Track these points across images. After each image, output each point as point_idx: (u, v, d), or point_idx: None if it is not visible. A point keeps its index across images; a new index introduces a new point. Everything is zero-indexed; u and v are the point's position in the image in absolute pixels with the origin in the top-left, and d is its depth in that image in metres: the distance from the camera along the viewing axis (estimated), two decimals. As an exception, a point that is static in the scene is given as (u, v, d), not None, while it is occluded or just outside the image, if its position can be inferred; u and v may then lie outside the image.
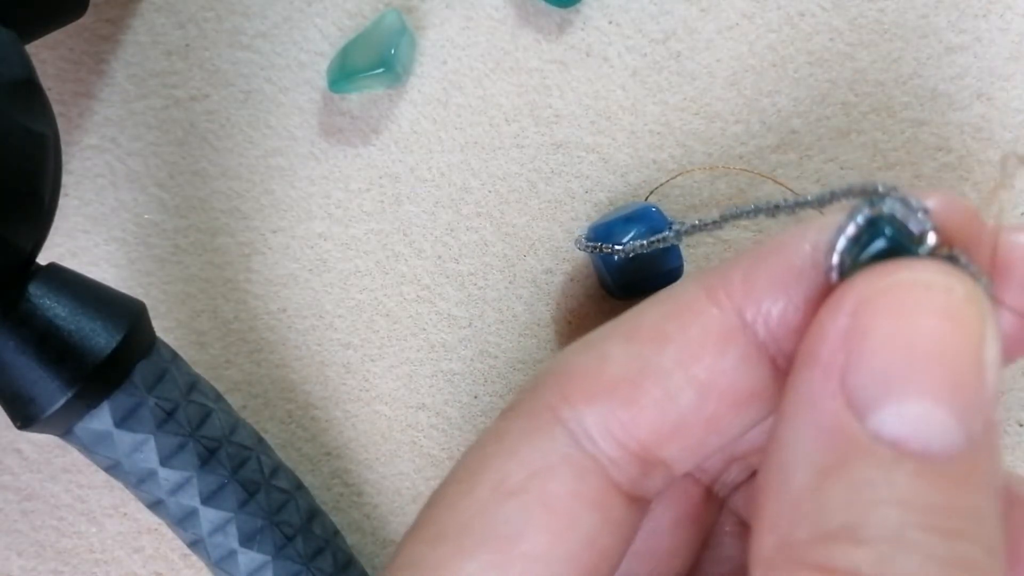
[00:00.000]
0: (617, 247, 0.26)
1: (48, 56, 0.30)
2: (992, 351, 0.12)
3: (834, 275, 0.14)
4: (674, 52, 0.29)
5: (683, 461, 0.15)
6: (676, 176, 0.29)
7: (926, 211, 0.14)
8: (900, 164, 0.29)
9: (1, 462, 0.29)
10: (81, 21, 0.27)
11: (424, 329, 0.29)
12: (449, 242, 0.29)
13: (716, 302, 0.15)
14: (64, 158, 0.28)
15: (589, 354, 0.16)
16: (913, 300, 0.12)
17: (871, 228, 0.14)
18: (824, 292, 0.14)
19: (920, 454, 0.12)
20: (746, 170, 0.29)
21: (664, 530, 0.18)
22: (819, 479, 0.12)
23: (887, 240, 0.14)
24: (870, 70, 0.29)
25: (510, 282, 0.29)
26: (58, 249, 0.29)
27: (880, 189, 0.14)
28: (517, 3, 0.30)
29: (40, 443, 0.29)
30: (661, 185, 0.29)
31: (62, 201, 0.29)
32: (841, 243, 0.14)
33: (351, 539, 0.29)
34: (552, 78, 0.29)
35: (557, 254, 0.29)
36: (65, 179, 0.29)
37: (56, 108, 0.23)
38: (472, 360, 0.29)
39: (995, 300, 0.14)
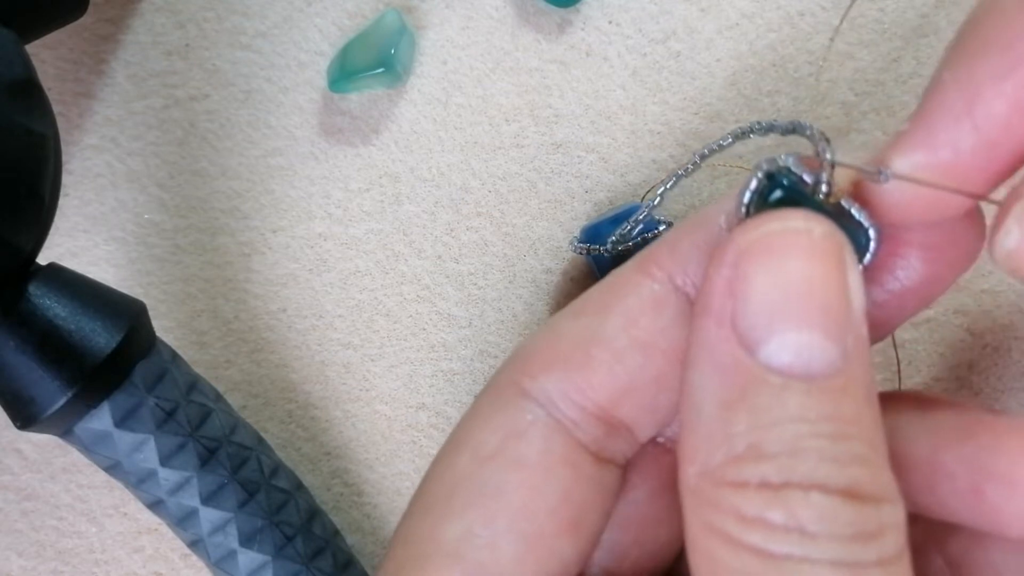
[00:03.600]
0: (602, 247, 0.26)
1: (48, 56, 0.30)
2: (854, 278, 0.14)
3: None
4: (674, 52, 0.29)
5: (643, 422, 0.17)
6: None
7: (831, 163, 0.16)
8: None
9: (1, 462, 0.29)
10: (81, 21, 0.27)
11: (424, 329, 0.29)
12: (449, 242, 0.29)
13: (648, 274, 0.17)
14: (64, 158, 0.28)
15: (544, 333, 0.17)
16: (780, 244, 0.14)
17: (770, 181, 0.16)
18: None
19: (804, 375, 0.14)
20: (745, 168, 0.29)
21: (643, 498, 0.19)
22: (724, 411, 0.14)
23: (784, 191, 0.15)
24: (870, 69, 0.29)
25: (510, 282, 0.29)
26: (58, 249, 0.29)
27: (808, 132, 0.16)
28: (517, 3, 0.30)
29: (40, 443, 0.29)
30: (659, 183, 0.29)
31: (62, 201, 0.29)
32: (747, 196, 0.16)
33: (351, 539, 0.29)
34: (552, 78, 0.29)
35: (557, 254, 0.29)
36: (65, 179, 0.29)
37: (56, 108, 0.23)
38: (472, 360, 0.29)
39: (884, 242, 0.16)
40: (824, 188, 0.15)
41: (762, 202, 0.16)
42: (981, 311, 0.28)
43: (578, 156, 0.29)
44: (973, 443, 0.17)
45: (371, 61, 0.28)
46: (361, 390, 0.29)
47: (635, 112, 0.29)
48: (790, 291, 0.14)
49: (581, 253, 0.27)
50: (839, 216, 0.15)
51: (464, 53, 0.29)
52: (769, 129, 0.17)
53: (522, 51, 0.29)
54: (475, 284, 0.29)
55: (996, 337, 0.29)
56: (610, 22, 0.29)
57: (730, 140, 0.18)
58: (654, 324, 0.16)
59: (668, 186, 0.21)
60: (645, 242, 0.26)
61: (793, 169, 0.16)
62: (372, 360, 0.29)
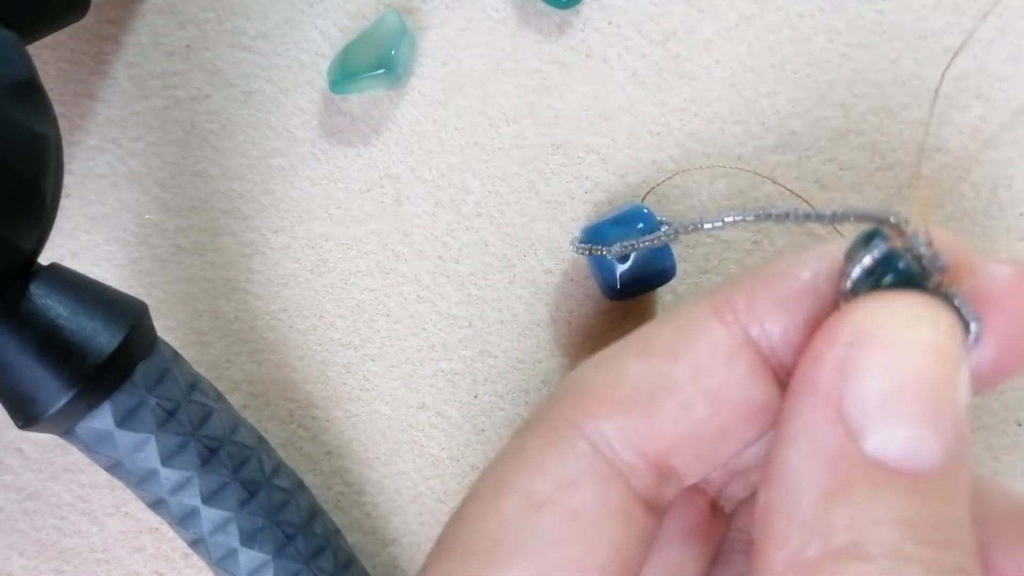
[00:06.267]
0: (606, 249, 0.26)
1: (49, 57, 0.30)
2: (965, 375, 0.14)
3: (844, 302, 0.15)
4: (673, 53, 0.29)
5: (694, 471, 0.16)
6: (674, 175, 0.29)
7: (938, 251, 0.15)
8: (899, 165, 0.29)
9: (2, 462, 0.29)
10: (82, 22, 0.27)
11: (424, 329, 0.29)
12: (449, 242, 0.29)
13: (722, 320, 0.16)
14: (65, 158, 0.28)
15: (605, 371, 0.16)
16: (903, 333, 0.14)
17: (885, 262, 0.15)
18: (822, 315, 0.15)
19: (911, 472, 0.13)
20: (744, 169, 0.29)
21: (673, 541, 0.19)
22: (825, 500, 0.13)
23: (897, 274, 0.15)
24: (869, 71, 0.29)
25: (510, 282, 0.29)
26: (59, 249, 0.29)
27: (892, 220, 0.15)
28: (517, 4, 0.30)
29: (41, 443, 0.29)
30: (659, 185, 0.29)
31: (63, 201, 0.29)
32: (857, 273, 0.15)
33: (352, 538, 0.29)
34: (552, 79, 0.29)
35: (557, 254, 0.29)
36: (66, 179, 0.29)
37: (57, 109, 0.23)
38: (472, 360, 0.29)
39: (983, 334, 0.15)
40: (938, 276, 0.15)
41: (870, 277, 0.15)
42: (980, 311, 0.29)
43: (578, 157, 0.29)
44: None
45: (371, 62, 0.28)
46: (361, 390, 0.29)
47: (635, 113, 0.29)
48: (906, 382, 0.13)
49: (582, 254, 0.27)
50: (944, 302, 0.15)
51: (464, 54, 0.30)
52: (841, 219, 0.16)
53: (522, 52, 0.29)
54: (475, 284, 0.29)
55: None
56: (610, 23, 0.29)
57: (774, 215, 0.17)
58: (726, 376, 0.16)
59: (689, 230, 0.21)
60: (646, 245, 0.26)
61: (915, 252, 0.15)
62: (372, 360, 0.29)
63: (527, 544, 0.15)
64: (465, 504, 0.16)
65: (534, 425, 0.16)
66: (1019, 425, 0.29)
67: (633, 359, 0.16)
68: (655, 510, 0.16)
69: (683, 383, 0.16)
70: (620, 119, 0.29)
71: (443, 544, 0.16)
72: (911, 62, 0.29)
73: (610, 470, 0.15)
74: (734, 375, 0.15)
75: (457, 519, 0.16)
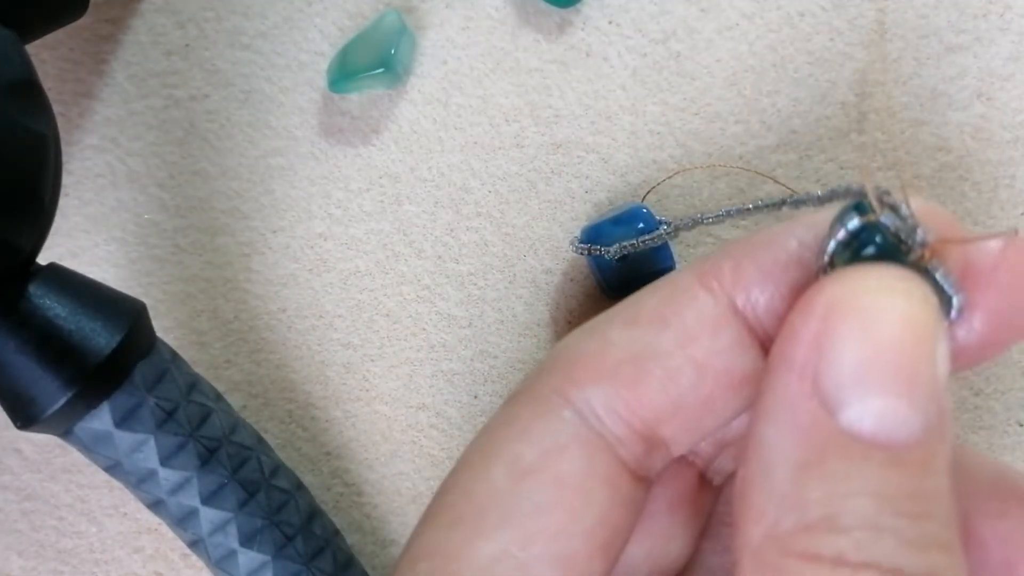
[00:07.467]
0: (605, 249, 0.26)
1: (48, 56, 0.30)
2: (942, 347, 0.14)
3: (822, 275, 0.15)
4: (674, 52, 0.29)
5: (681, 441, 0.16)
6: (675, 175, 0.29)
7: (916, 224, 0.15)
8: (900, 164, 0.29)
9: (1, 462, 0.29)
10: (81, 21, 0.27)
11: (424, 329, 0.29)
12: (449, 242, 0.29)
13: (709, 289, 0.16)
14: (64, 158, 0.28)
15: (592, 339, 0.16)
16: (876, 304, 0.13)
17: (863, 234, 0.14)
18: (808, 286, 0.15)
19: (886, 444, 0.13)
20: (745, 168, 0.29)
21: (662, 512, 0.19)
22: (800, 474, 0.13)
23: (876, 247, 0.14)
24: (870, 70, 0.29)
25: (510, 282, 0.29)
26: (58, 249, 0.29)
27: (874, 193, 0.15)
28: (517, 3, 0.30)
29: (40, 443, 0.29)
30: (659, 184, 0.29)
31: (62, 201, 0.29)
32: (832, 246, 0.15)
33: (351, 539, 0.29)
34: (552, 78, 0.29)
35: (557, 254, 0.29)
36: (65, 179, 0.29)
37: (56, 108, 0.23)
38: (472, 360, 0.29)
39: (967, 309, 0.15)
40: (918, 250, 0.15)
41: (847, 250, 0.15)
42: (981, 311, 0.28)
43: (578, 156, 0.29)
44: (1012, 520, 0.16)
45: (371, 61, 0.28)
46: (361, 390, 0.29)
47: (635, 112, 0.29)
48: (881, 354, 0.13)
49: (582, 253, 0.27)
50: (924, 276, 0.14)
51: (464, 53, 0.29)
52: (827, 199, 0.16)
53: (522, 51, 0.29)
54: (475, 284, 0.29)
55: (996, 337, 0.28)
56: (610, 22, 0.29)
57: (789, 201, 0.17)
58: (712, 345, 0.15)
59: (688, 226, 0.21)
60: (646, 245, 0.26)
61: (891, 225, 0.14)
62: (372, 360, 0.29)
63: (513, 511, 0.15)
64: (453, 473, 0.16)
65: (522, 394, 0.16)
66: (1020, 425, 0.29)
67: (619, 327, 0.16)
68: (643, 480, 0.16)
69: (669, 352, 0.15)
70: (620, 118, 0.29)
71: (430, 513, 0.16)
72: (912, 61, 0.29)
73: (596, 439, 0.15)
74: (720, 344, 0.15)
75: (445, 488, 0.16)
